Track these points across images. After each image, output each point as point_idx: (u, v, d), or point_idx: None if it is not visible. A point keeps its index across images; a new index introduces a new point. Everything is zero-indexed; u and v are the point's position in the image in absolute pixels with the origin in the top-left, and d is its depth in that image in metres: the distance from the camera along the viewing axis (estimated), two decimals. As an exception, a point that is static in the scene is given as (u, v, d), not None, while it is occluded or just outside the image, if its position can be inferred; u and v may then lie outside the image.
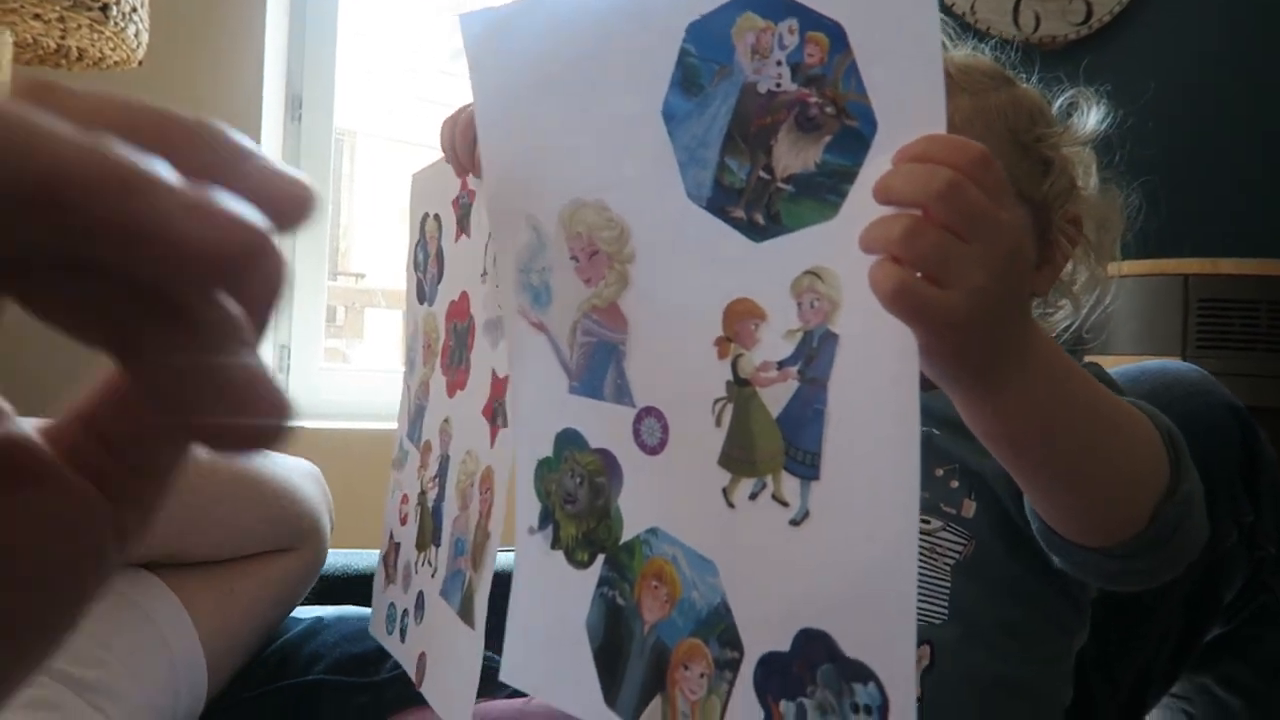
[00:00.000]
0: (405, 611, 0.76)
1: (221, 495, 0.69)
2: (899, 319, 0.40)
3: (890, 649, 0.42)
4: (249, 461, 0.71)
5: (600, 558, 0.56)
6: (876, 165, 0.42)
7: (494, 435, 0.63)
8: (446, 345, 0.75)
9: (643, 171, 0.51)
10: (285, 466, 0.77)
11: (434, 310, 0.78)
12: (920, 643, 0.63)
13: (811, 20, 0.43)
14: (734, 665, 0.48)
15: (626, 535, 0.54)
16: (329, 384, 1.80)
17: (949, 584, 0.65)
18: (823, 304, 0.45)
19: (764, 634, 0.47)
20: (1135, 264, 1.70)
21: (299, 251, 1.79)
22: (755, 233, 0.47)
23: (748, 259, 0.47)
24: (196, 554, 0.67)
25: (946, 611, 0.66)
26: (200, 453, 0.62)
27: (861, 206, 0.43)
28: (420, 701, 0.77)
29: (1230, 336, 1.54)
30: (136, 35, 1.27)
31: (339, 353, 2.01)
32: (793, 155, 0.45)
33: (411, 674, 0.73)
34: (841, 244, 0.44)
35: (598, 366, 0.55)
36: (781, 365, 0.46)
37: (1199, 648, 0.74)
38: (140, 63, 1.34)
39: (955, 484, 0.66)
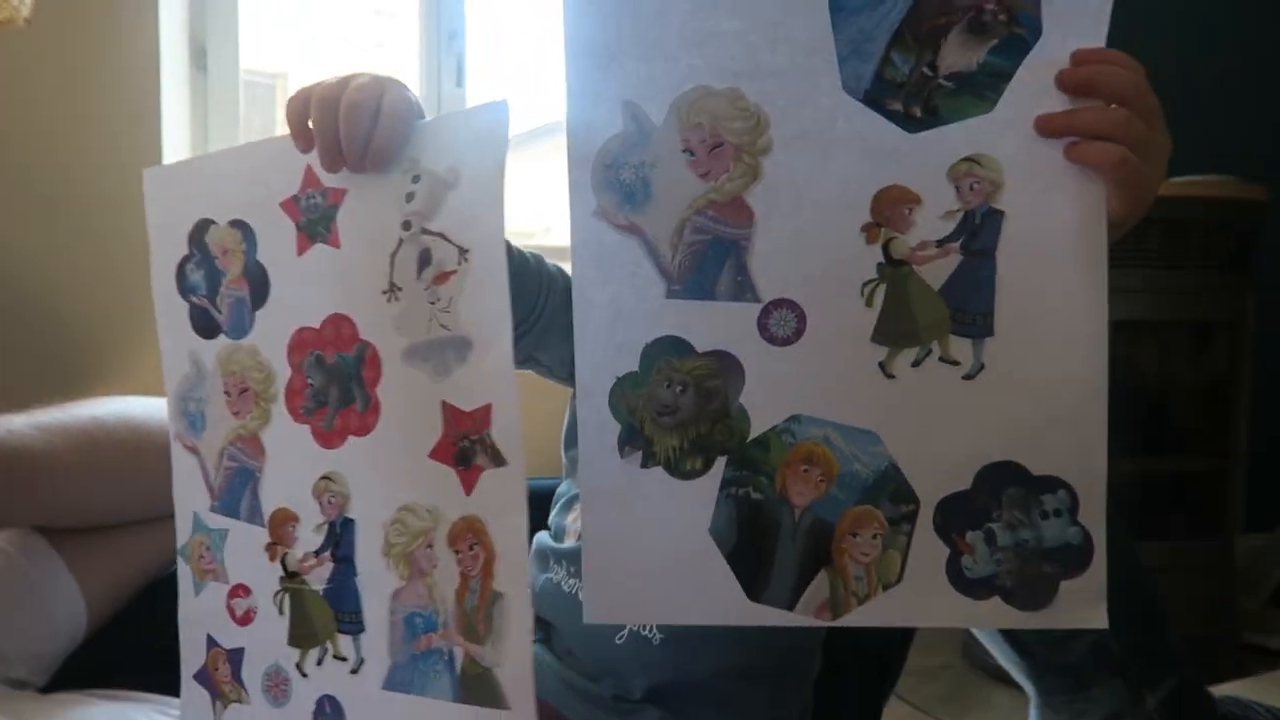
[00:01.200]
0: None
1: (114, 468, 0.74)
2: (1115, 186, 0.52)
3: (1081, 457, 0.55)
4: (141, 431, 0.76)
5: (720, 461, 0.57)
6: (1031, 68, 0.53)
7: (470, 480, 0.55)
8: (298, 386, 0.63)
9: (793, 61, 0.53)
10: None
11: (248, 344, 0.65)
12: None
13: (1007, -66, 0.51)
14: (910, 517, 0.57)
15: (756, 431, 0.57)
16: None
17: None
18: (983, 185, 0.54)
19: (941, 481, 0.56)
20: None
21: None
22: (911, 124, 0.54)
23: (901, 149, 0.54)
24: (89, 522, 0.76)
25: None
26: (92, 425, 0.74)
27: (1015, 101, 0.54)
28: None
29: (1123, 254, 1.63)
30: None
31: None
32: (959, 54, 0.53)
33: None
34: (1001, 133, 0.54)
35: (709, 265, 0.56)
36: (941, 243, 0.55)
37: None
38: (27, 20, 1.37)
39: None
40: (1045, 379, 0.55)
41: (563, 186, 0.57)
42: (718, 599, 0.58)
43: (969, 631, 0.98)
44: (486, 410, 0.55)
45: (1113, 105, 0.52)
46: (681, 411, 0.58)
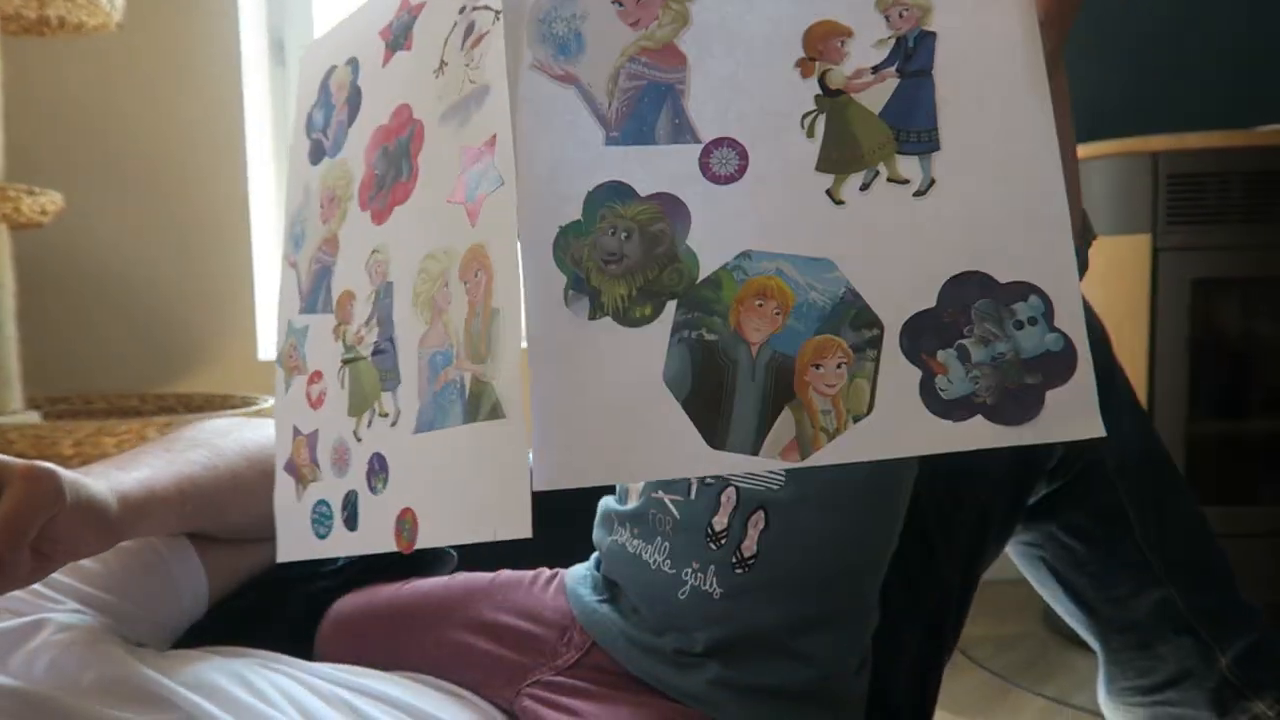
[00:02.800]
0: (350, 494, 0.68)
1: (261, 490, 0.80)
2: None
3: (1049, 258, 0.54)
4: None
5: (670, 305, 0.57)
6: (943, -101, 0.58)
7: (475, 211, 0.59)
8: (368, 179, 0.70)
9: None
10: None
11: (340, 158, 0.74)
12: (756, 508, 0.76)
13: None
14: (875, 342, 0.55)
15: (706, 271, 0.57)
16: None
17: None
18: (912, 12, 0.58)
19: (904, 300, 0.55)
20: (1103, 144, 1.79)
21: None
22: (834, -37, 0.59)
23: None
24: (227, 534, 0.83)
25: (783, 477, 0.79)
26: (247, 450, 0.84)
27: (933, -67, 0.58)
28: (371, 582, 0.89)
29: (1203, 210, 1.68)
30: (110, 1, 1.50)
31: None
32: (870, -107, 0.59)
33: (389, 546, 0.62)
34: None
35: (646, 110, 0.59)
36: (877, 69, 0.58)
37: (1025, 505, 0.93)
38: (119, 25, 1.55)
39: None
40: (999, 184, 0.55)
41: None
42: (677, 450, 0.56)
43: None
44: (492, 140, 0.59)
45: None
46: (628, 258, 0.58)
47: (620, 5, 0.60)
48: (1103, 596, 0.86)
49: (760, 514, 0.78)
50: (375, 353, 0.67)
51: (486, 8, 0.63)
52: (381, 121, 0.70)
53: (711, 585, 0.77)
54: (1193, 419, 1.70)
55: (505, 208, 0.58)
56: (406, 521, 0.62)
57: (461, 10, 0.65)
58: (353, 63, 0.75)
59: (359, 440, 0.68)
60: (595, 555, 0.87)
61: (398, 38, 0.70)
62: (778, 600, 0.77)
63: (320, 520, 0.71)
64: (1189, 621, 0.82)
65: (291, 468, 0.75)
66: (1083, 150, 1.07)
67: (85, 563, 0.74)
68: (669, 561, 0.78)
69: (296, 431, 0.75)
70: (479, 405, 0.58)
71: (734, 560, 0.76)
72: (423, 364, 0.63)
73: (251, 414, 1.64)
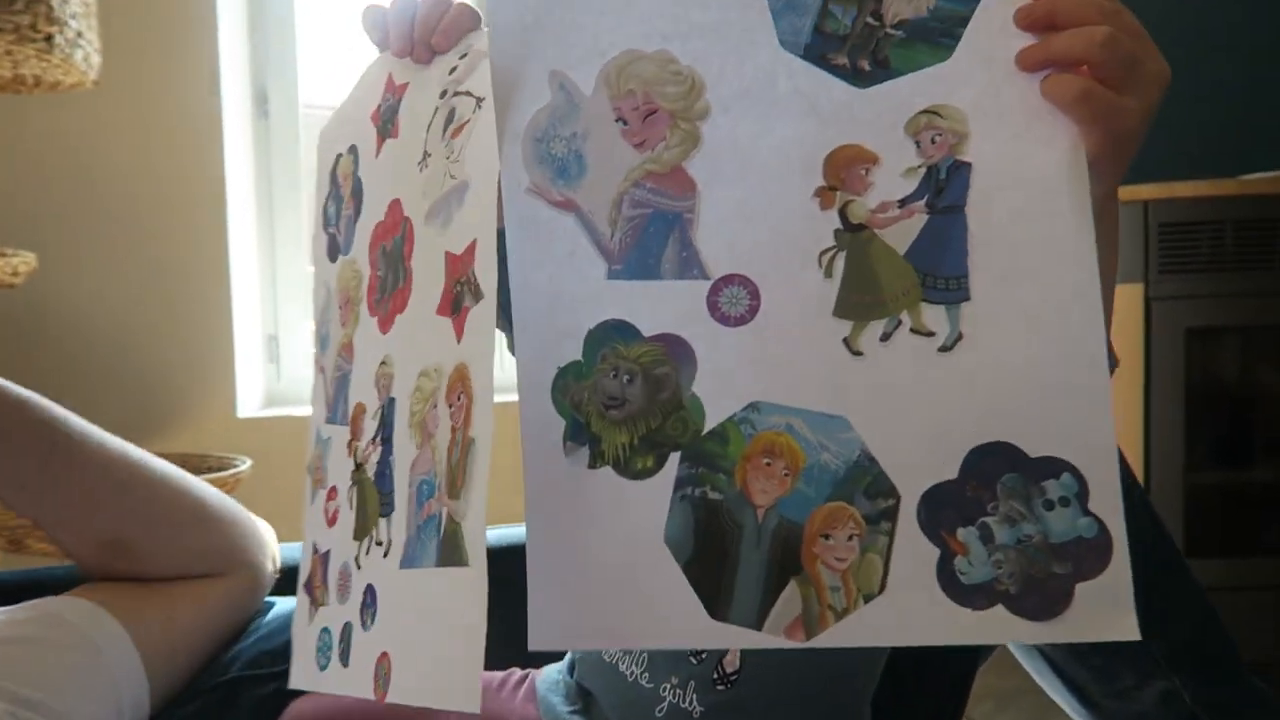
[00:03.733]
0: (346, 626, 0.65)
1: (171, 505, 0.82)
2: (1081, 123, 0.50)
3: (1086, 432, 0.50)
4: (199, 489, 0.84)
5: (673, 457, 0.54)
6: (988, 8, 0.53)
7: (460, 326, 0.55)
8: (373, 281, 0.67)
9: (724, 17, 0.54)
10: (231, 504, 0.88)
11: (350, 257, 0.71)
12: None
13: None
14: (890, 514, 0.52)
15: (712, 422, 0.54)
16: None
17: None
18: (946, 137, 0.53)
19: (923, 469, 0.52)
20: (1093, 194, 1.85)
21: (276, 241, 2.03)
22: (860, 79, 0.53)
23: (853, 106, 0.53)
24: (137, 558, 0.81)
25: None
26: (152, 470, 0.81)
27: (974, 45, 0.53)
28: None
29: (1195, 259, 1.73)
30: (86, 59, 1.46)
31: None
32: (905, 1, 0.53)
33: (369, 692, 0.58)
34: (961, 80, 0.53)
35: (652, 242, 0.55)
36: (904, 203, 0.53)
37: None
38: (96, 82, 1.51)
39: None
40: (1034, 345, 0.51)
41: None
42: (675, 618, 0.53)
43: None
44: (472, 247, 0.55)
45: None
46: (630, 404, 0.55)
47: (625, 124, 0.55)
48: (1104, 689, 0.82)
49: (736, 653, 0.72)
50: (377, 475, 0.64)
51: (468, 94, 0.59)
52: (379, 218, 0.67)
53: (691, 703, 0.72)
54: (1190, 469, 1.73)
55: (485, 324, 0.54)
56: (383, 668, 0.59)
57: (443, 95, 0.61)
58: (353, 151, 0.72)
59: (359, 568, 0.65)
60: (569, 657, 0.85)
61: (386, 123, 0.67)
62: (761, 717, 0.72)
63: (322, 650, 0.68)
64: (1195, 712, 0.78)
65: (309, 586, 0.72)
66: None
67: (17, 657, 0.71)
68: (646, 675, 0.75)
69: (315, 549, 0.72)
70: (450, 548, 0.54)
71: (715, 676, 0.72)
72: (411, 491, 0.60)
73: (228, 477, 1.61)
